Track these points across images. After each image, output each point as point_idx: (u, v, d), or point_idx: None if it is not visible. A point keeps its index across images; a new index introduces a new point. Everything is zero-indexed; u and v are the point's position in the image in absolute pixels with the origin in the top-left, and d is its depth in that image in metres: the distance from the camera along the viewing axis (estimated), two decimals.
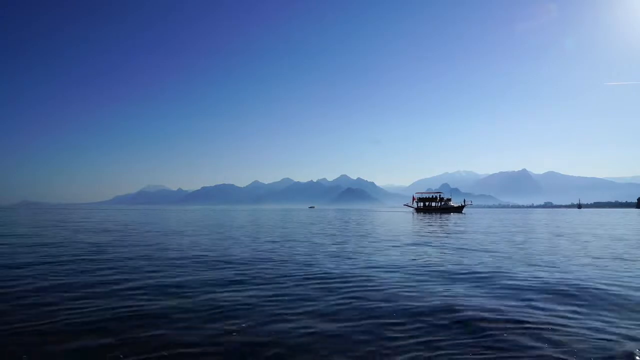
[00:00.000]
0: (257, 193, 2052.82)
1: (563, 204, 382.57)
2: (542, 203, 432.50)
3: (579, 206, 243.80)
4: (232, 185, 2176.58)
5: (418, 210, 66.51)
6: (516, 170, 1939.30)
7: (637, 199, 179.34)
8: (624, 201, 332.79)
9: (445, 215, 43.59)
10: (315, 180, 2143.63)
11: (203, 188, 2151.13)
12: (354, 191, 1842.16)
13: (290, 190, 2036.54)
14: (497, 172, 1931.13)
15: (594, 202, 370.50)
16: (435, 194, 67.51)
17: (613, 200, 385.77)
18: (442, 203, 65.20)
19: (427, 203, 66.96)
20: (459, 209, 64.08)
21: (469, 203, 67.97)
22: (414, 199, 69.00)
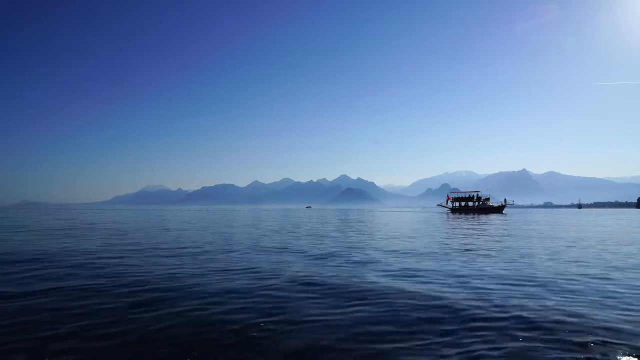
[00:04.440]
0: (257, 193, 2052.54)
1: (563, 204, 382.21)
2: (542, 203, 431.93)
3: (579, 206, 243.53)
4: (232, 185, 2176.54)
5: (453, 210, 61.63)
6: (516, 170, 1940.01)
7: (637, 199, 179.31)
8: (624, 201, 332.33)
9: (487, 217, 39.40)
10: (315, 180, 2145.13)
11: (203, 188, 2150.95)
12: (354, 191, 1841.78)
13: (290, 190, 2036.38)
14: (497, 172, 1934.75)
15: (594, 202, 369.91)
16: (473, 193, 61.96)
17: (613, 200, 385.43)
18: (480, 203, 60.16)
19: (463, 203, 62.03)
20: (499, 209, 58.82)
21: (511, 202, 62.32)
22: (448, 198, 64.03)
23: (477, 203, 60.26)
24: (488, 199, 61.09)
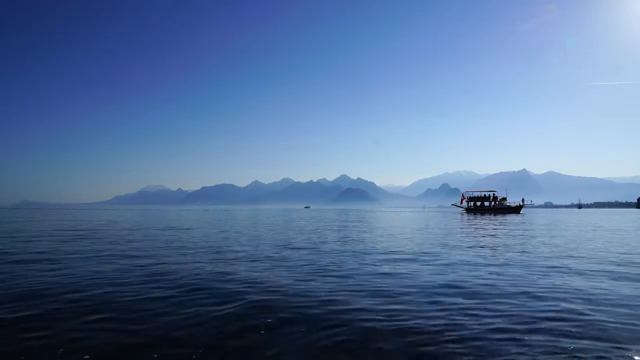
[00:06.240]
0: (257, 193, 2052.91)
1: (563, 204, 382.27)
2: (542, 203, 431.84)
3: (579, 206, 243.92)
4: (232, 185, 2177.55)
5: (468, 210, 59.74)
6: (516, 170, 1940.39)
7: (637, 199, 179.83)
8: (624, 201, 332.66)
9: (504, 217, 37.68)
10: (315, 180, 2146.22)
11: (203, 188, 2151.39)
12: (354, 191, 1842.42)
13: (290, 190, 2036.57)
14: (497, 172, 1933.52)
15: (594, 202, 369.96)
16: (489, 193, 59.78)
17: (613, 200, 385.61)
18: (497, 203, 58.32)
19: (478, 203, 59.99)
20: (516, 210, 57.08)
21: (529, 202, 60.79)
22: (463, 197, 61.92)
23: (493, 203, 58.47)
24: (505, 199, 59.26)
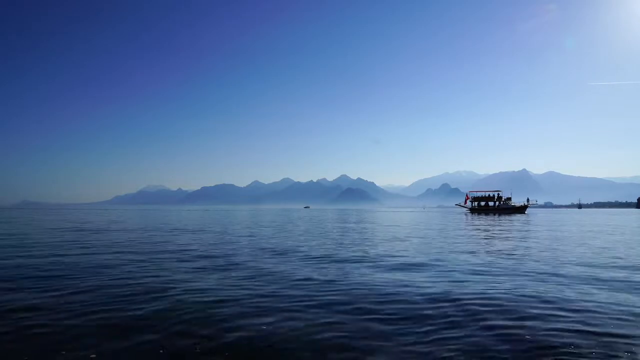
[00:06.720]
0: (257, 193, 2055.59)
1: (563, 204, 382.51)
2: (542, 203, 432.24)
3: (579, 206, 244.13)
4: (232, 185, 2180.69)
5: (473, 210, 59.39)
6: (516, 170, 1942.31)
7: (637, 199, 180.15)
8: (624, 201, 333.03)
9: (509, 217, 37.29)
10: (315, 180, 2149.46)
11: (203, 188, 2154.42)
12: (354, 191, 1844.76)
13: (290, 190, 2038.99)
14: (497, 172, 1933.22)
15: (594, 202, 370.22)
16: (493, 193, 59.60)
17: (613, 200, 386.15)
18: (501, 203, 58.10)
19: (483, 203, 59.65)
20: (521, 210, 56.96)
21: (534, 202, 60.80)
22: (467, 197, 61.56)
23: (497, 203, 58.25)
24: (509, 199, 59.01)
